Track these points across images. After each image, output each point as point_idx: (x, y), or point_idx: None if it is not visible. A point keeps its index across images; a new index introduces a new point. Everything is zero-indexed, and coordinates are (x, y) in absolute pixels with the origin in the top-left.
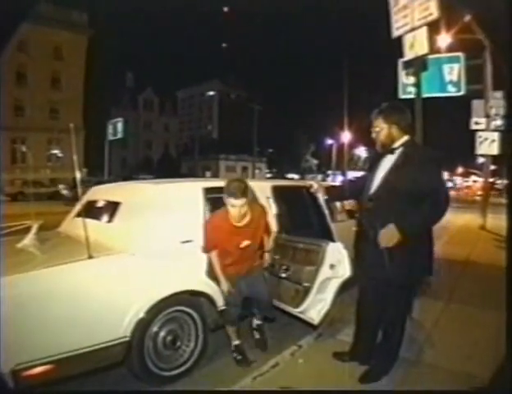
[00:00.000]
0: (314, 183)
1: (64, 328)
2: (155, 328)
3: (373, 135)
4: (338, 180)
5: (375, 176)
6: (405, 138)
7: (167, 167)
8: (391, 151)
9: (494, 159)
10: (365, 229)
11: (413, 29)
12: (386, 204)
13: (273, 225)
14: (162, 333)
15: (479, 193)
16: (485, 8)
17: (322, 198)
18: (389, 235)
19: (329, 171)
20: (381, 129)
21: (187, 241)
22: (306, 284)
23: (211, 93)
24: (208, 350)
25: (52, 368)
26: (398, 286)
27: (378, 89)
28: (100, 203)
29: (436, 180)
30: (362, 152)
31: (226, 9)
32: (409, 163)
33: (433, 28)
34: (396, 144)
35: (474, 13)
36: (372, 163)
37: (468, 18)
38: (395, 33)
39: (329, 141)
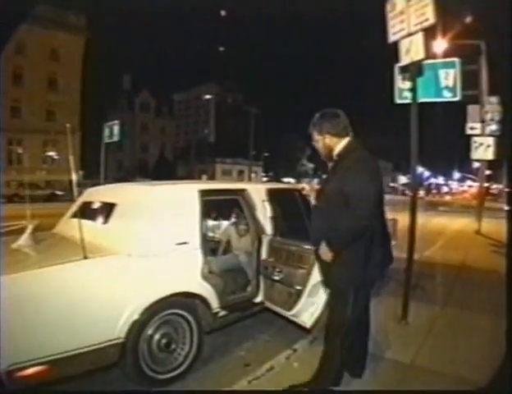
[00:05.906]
0: (306, 186)
1: (58, 329)
2: (150, 331)
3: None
4: None
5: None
6: (343, 143)
7: (163, 170)
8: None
9: (489, 164)
10: None
11: (409, 35)
12: (322, 212)
13: (268, 227)
14: (157, 336)
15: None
16: (484, 11)
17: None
18: (323, 253)
19: (325, 176)
20: (317, 141)
21: (182, 243)
22: (298, 287)
23: (208, 96)
24: (203, 353)
25: (46, 369)
26: (346, 290)
27: (375, 94)
28: (96, 205)
29: (356, 188)
30: None
31: (223, 13)
32: (337, 171)
33: (430, 33)
34: (335, 152)
35: (474, 16)
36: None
37: (468, 19)
38: (392, 38)
39: None
